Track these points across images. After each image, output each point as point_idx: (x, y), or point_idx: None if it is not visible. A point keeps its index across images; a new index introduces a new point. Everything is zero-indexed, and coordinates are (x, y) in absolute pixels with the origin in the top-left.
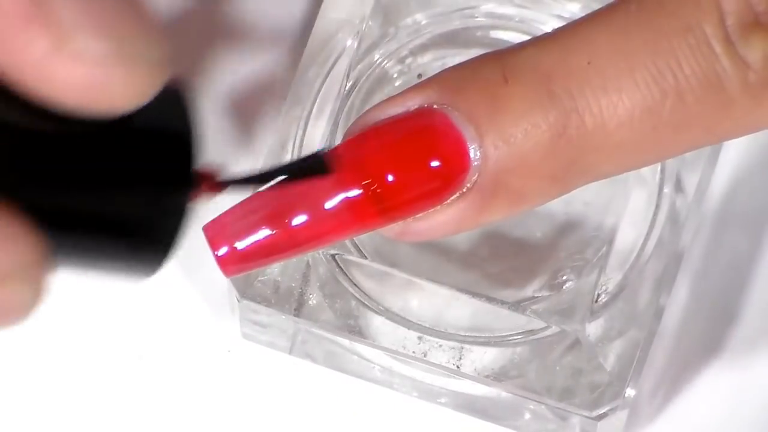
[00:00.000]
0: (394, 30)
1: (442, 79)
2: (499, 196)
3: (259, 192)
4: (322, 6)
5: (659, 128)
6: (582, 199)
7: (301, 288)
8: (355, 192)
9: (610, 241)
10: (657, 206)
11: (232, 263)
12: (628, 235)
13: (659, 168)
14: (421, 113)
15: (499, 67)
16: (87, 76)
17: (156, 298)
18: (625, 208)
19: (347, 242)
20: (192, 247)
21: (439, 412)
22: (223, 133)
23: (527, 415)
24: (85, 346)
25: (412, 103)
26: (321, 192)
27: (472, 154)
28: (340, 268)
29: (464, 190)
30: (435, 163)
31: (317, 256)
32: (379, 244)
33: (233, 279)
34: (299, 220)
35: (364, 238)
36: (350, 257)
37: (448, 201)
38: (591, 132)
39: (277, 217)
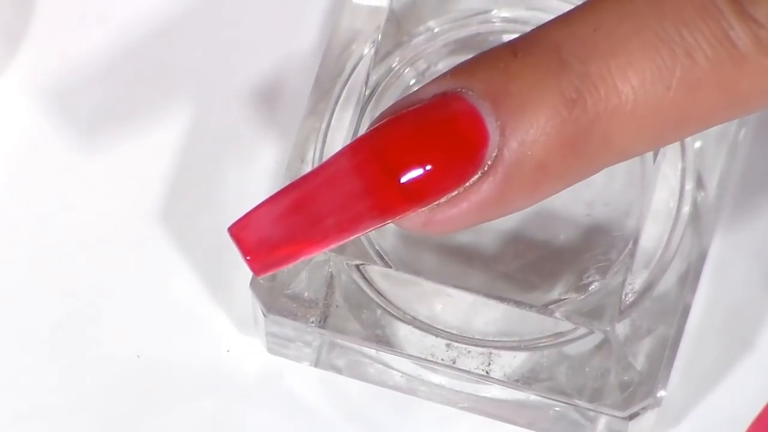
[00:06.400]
0: (408, 38)
1: (455, 68)
2: (520, 171)
3: (281, 189)
4: (337, 15)
5: (673, 89)
6: (603, 201)
7: (326, 299)
8: (377, 177)
9: (635, 240)
10: (679, 204)
11: (262, 263)
12: (653, 233)
13: (680, 166)
14: (437, 99)
15: (508, 47)
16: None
17: (154, 295)
18: (648, 207)
19: (371, 252)
20: (191, 244)
21: (463, 416)
22: (241, 146)
23: (553, 417)
24: (84, 344)
25: (427, 95)
26: (344, 182)
27: (489, 128)
28: (365, 278)
29: (485, 168)
30: (454, 140)
31: (341, 267)
32: (402, 253)
33: (259, 294)
34: (325, 212)
35: (387, 246)
36: (374, 266)
37: (471, 182)
38: (604, 96)
39: (302, 212)
